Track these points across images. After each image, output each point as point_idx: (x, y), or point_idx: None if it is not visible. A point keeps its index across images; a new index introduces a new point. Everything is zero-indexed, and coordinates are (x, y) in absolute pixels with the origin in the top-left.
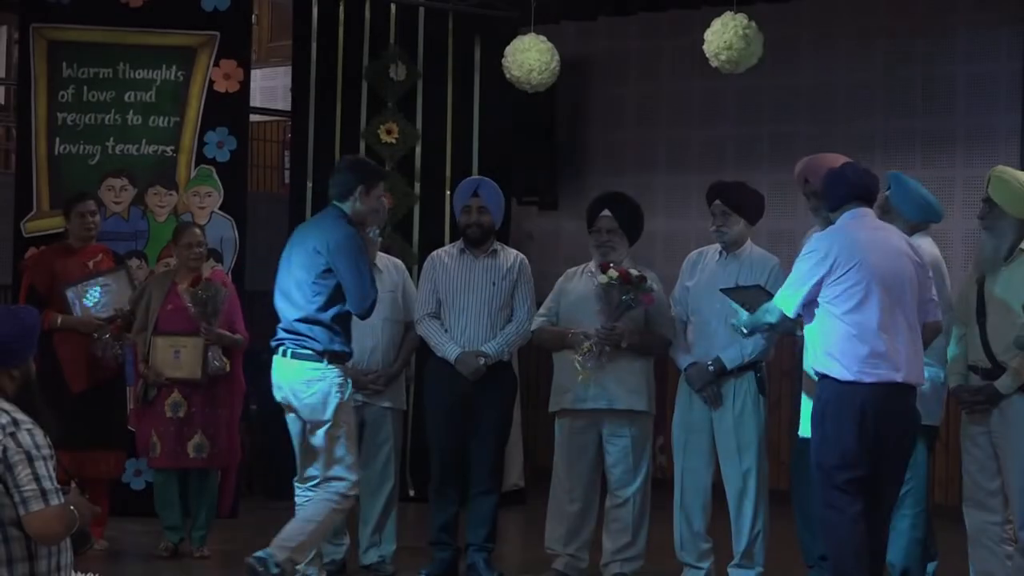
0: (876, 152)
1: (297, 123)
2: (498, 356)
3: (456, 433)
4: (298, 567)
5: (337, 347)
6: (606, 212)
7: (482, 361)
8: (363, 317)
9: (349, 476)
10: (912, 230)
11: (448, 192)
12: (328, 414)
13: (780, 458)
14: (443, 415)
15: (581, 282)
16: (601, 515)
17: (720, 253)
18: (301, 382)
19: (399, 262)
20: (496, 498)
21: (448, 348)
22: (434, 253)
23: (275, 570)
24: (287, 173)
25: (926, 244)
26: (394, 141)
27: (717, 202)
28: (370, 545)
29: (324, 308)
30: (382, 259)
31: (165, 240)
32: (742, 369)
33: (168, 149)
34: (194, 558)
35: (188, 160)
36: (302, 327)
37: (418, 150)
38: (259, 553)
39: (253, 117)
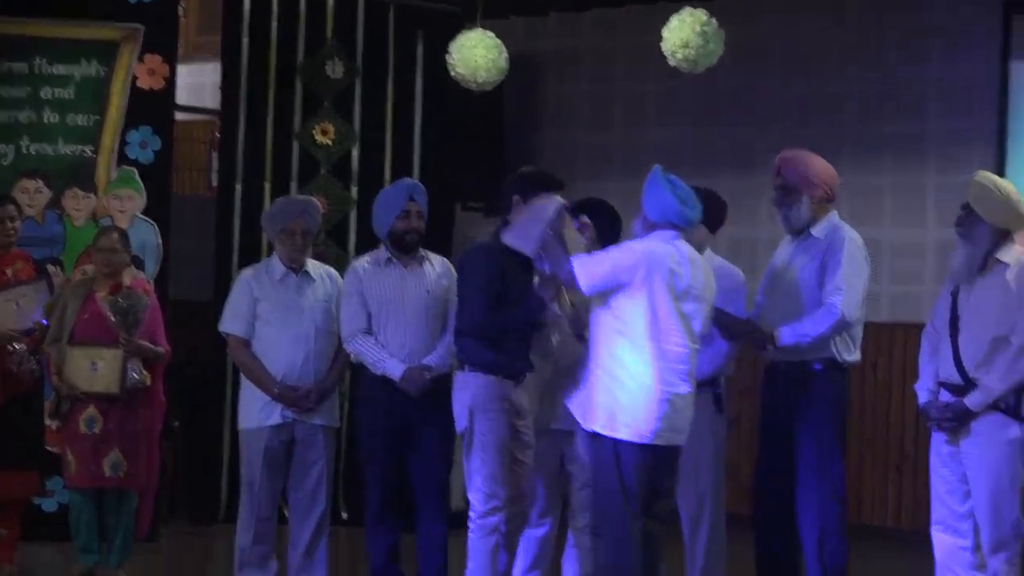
0: (843, 156)
1: (226, 122)
2: (441, 369)
3: (396, 458)
4: None
5: None
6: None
7: (427, 375)
8: None
9: None
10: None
11: None
12: None
13: (740, 480)
14: (380, 440)
15: None
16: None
17: None
18: None
19: (333, 271)
20: (446, 525)
21: (390, 365)
22: (356, 263)
23: None
24: (215, 175)
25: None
26: (330, 142)
27: None
28: (300, 571)
29: None
30: (316, 268)
31: (82, 246)
32: (699, 385)
33: (87, 149)
34: None
35: (108, 161)
36: None
37: (355, 152)
38: None
39: (179, 116)
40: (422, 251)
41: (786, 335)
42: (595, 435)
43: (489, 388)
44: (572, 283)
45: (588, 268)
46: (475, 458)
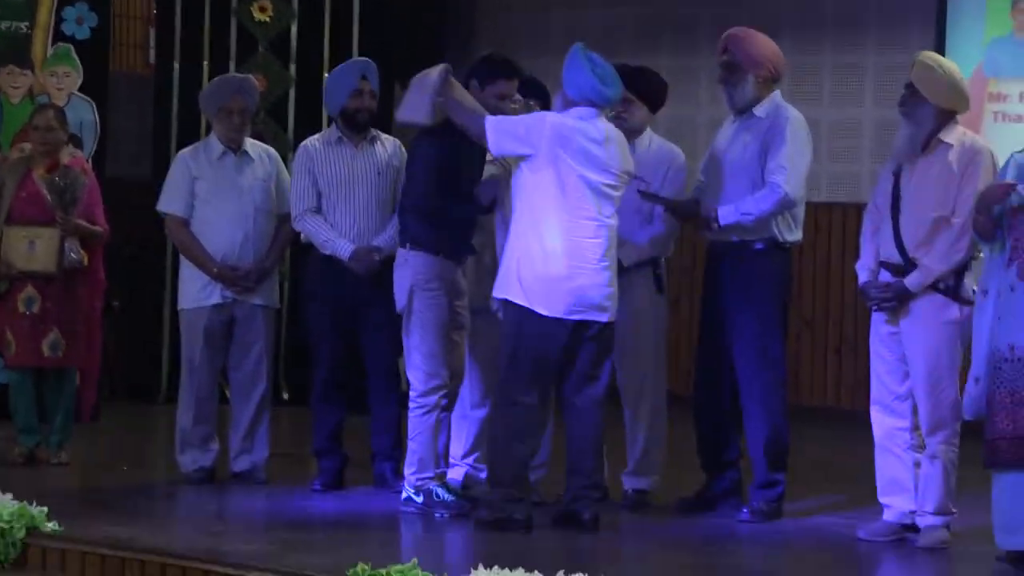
0: (783, 34)
1: None
2: (390, 249)
3: (344, 339)
4: None
5: None
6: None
7: (376, 257)
8: None
9: None
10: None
11: (326, 75)
12: None
13: (679, 360)
14: (328, 319)
15: None
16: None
17: None
18: None
19: (272, 150)
20: (397, 404)
21: (339, 245)
22: (307, 142)
23: None
24: (152, 53)
25: None
26: (267, 20)
27: None
28: (241, 451)
29: None
30: (254, 147)
31: (19, 124)
32: (639, 265)
33: (22, 25)
34: (51, 464)
35: (44, 37)
36: None
37: (294, 29)
38: None
39: None
40: (373, 131)
41: (726, 214)
42: (506, 303)
43: (430, 267)
44: (483, 139)
45: (499, 127)
46: (414, 336)
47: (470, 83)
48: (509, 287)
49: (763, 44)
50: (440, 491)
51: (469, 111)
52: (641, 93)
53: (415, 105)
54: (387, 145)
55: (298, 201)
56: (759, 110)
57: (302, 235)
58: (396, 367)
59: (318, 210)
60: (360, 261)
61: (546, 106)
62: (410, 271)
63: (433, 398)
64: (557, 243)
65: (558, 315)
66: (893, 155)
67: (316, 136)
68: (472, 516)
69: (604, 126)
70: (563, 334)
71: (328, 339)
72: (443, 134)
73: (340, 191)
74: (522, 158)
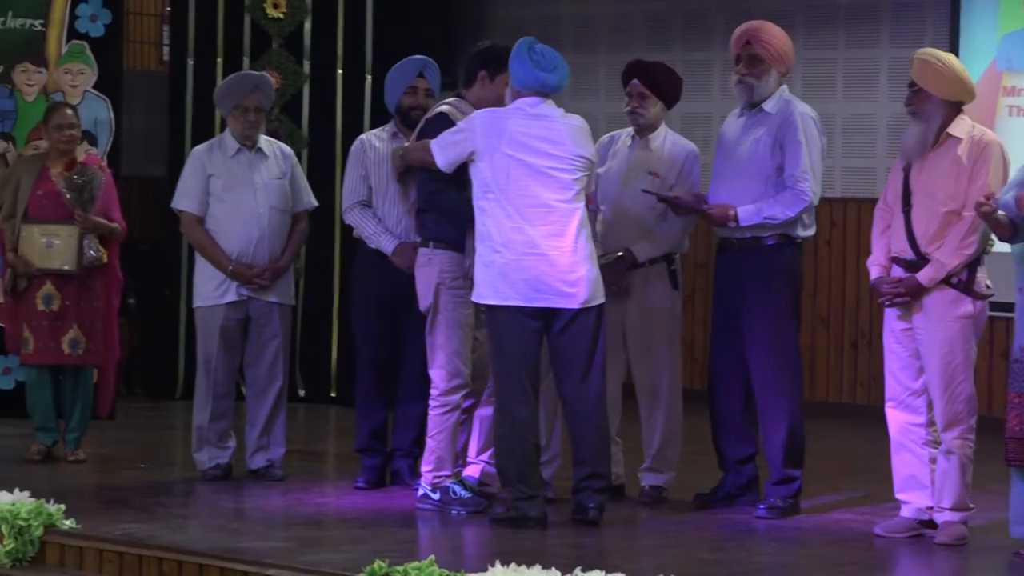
0: (797, 29)
1: None
2: None
3: (388, 334)
4: None
5: None
6: (634, 80)
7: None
8: None
9: None
10: None
11: (340, 71)
12: None
13: (695, 356)
14: (373, 314)
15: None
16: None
17: (632, 138)
18: None
19: (286, 148)
20: (425, 402)
21: (383, 240)
22: (363, 137)
23: None
24: (166, 50)
25: None
26: (281, 16)
27: (635, 82)
28: (257, 448)
29: None
30: (268, 144)
31: (34, 121)
32: (654, 261)
33: (37, 23)
34: (68, 461)
35: (59, 34)
36: None
37: (307, 25)
38: None
39: None
40: None
41: (748, 215)
42: (484, 307)
43: (455, 264)
44: (435, 165)
45: (440, 144)
46: (439, 335)
47: (478, 73)
48: (477, 290)
49: (783, 38)
50: (457, 488)
51: (420, 149)
52: (656, 88)
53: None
54: None
55: (349, 194)
56: (768, 105)
57: (354, 230)
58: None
59: (368, 203)
60: (403, 256)
61: (662, 87)
62: (435, 269)
63: (455, 397)
64: (505, 232)
65: (519, 303)
66: (903, 153)
67: (374, 131)
68: (488, 513)
69: (551, 111)
70: (531, 323)
71: (372, 335)
72: (449, 124)
73: (391, 187)
74: (471, 161)
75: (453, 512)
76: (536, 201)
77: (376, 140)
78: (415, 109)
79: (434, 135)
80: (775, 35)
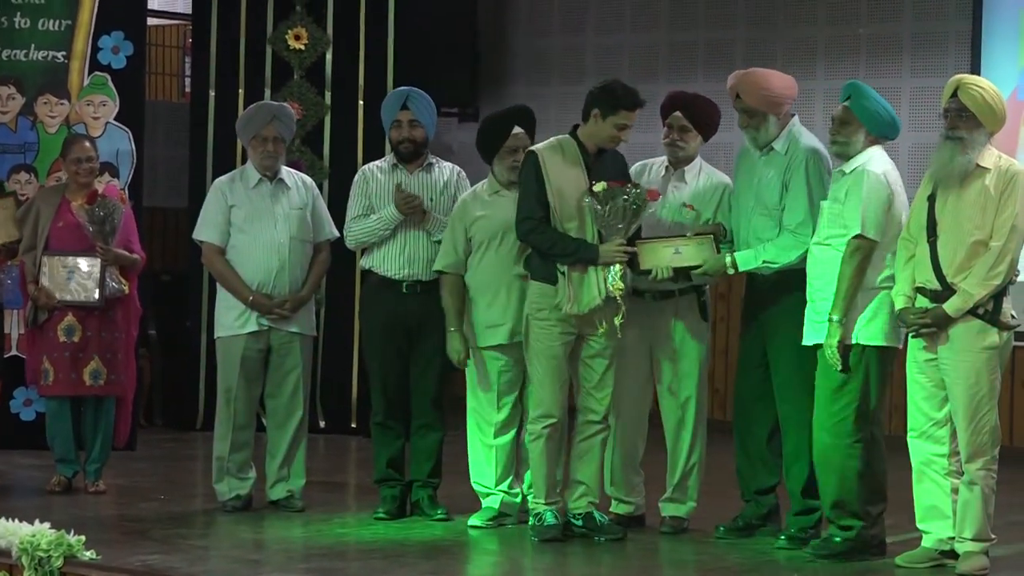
0: (818, 60)
1: (198, 27)
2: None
3: (399, 359)
4: None
5: None
6: (676, 113)
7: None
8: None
9: None
10: (869, 143)
11: (361, 102)
12: None
13: (715, 386)
14: (383, 339)
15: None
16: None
17: (666, 168)
18: None
19: (308, 179)
20: (441, 431)
21: (385, 215)
22: (366, 168)
23: None
24: (188, 81)
25: (878, 155)
26: (303, 47)
27: (677, 114)
28: (278, 479)
29: None
30: (290, 175)
31: (56, 153)
32: (683, 292)
33: (59, 55)
34: (88, 492)
35: (81, 67)
36: None
37: (329, 57)
38: None
39: (151, 20)
40: (432, 158)
41: (746, 260)
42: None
43: (544, 296)
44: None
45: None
46: (530, 364)
47: (591, 111)
48: None
49: (775, 82)
50: (547, 514)
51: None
52: (698, 122)
53: None
54: (444, 171)
55: (350, 216)
56: (778, 144)
57: (359, 261)
58: (441, 397)
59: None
60: (409, 207)
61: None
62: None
63: (537, 426)
64: None
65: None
66: (941, 182)
67: (377, 161)
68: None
69: None
70: None
71: (381, 364)
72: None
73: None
74: None
75: (534, 539)
76: None
77: (378, 171)
78: (402, 143)
79: (523, 177)
80: (759, 83)
